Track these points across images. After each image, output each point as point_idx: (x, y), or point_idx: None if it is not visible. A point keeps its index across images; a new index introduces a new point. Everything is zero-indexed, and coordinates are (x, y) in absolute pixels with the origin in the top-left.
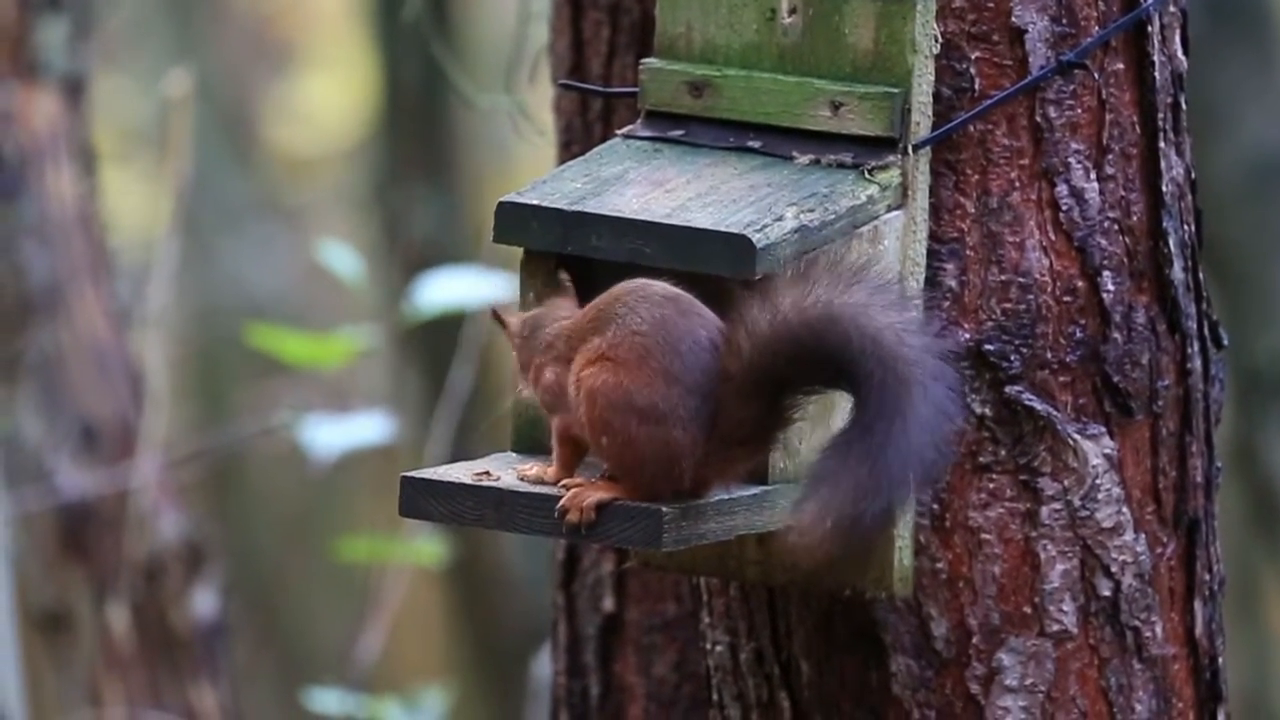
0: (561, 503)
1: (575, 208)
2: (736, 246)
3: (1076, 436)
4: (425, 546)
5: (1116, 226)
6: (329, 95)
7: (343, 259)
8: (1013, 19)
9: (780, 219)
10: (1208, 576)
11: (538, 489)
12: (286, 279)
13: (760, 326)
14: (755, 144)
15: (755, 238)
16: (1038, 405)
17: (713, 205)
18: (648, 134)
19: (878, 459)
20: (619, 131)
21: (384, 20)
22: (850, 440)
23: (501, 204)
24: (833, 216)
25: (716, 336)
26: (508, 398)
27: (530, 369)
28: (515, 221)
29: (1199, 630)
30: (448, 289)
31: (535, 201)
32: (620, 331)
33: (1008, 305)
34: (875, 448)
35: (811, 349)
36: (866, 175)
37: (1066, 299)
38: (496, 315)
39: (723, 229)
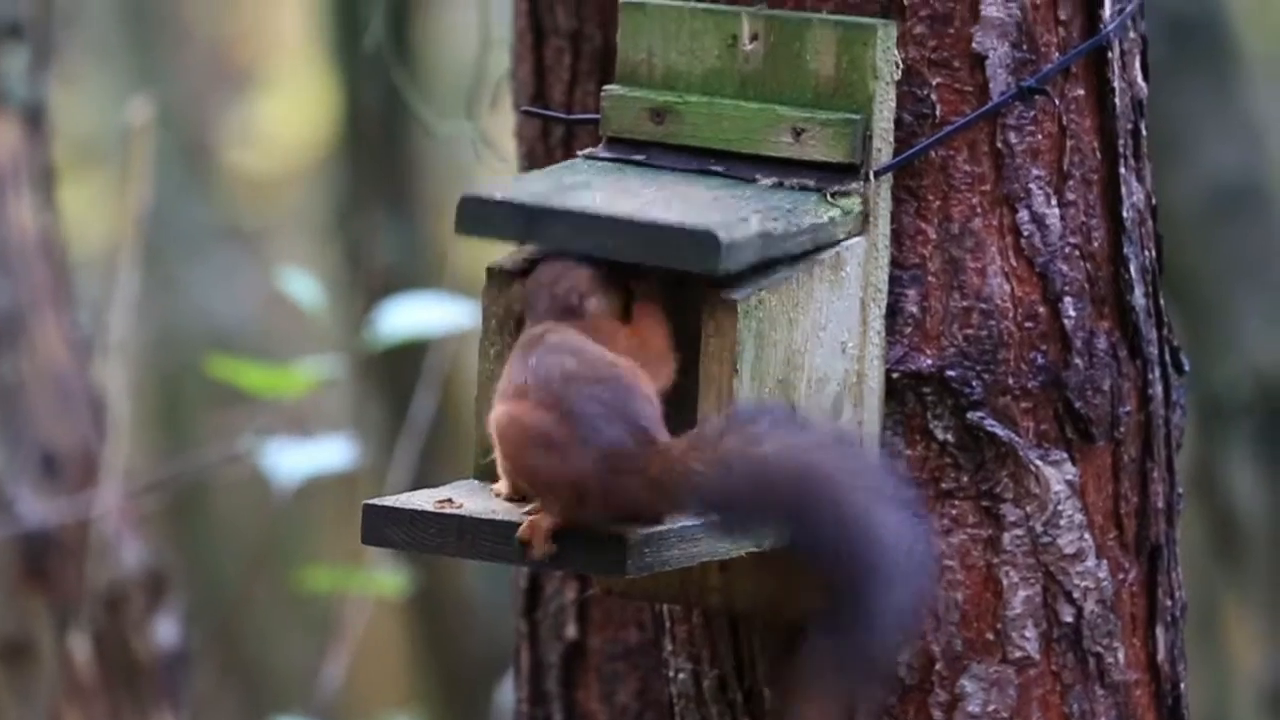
0: (519, 532)
1: (539, 203)
2: (701, 240)
3: (1038, 463)
4: (388, 577)
5: (1078, 252)
6: (290, 121)
7: (303, 286)
8: (973, 45)
9: (745, 221)
10: (1169, 602)
11: (500, 516)
12: (248, 306)
13: (724, 450)
14: (717, 169)
15: (720, 234)
16: (1000, 431)
17: (677, 207)
18: (609, 156)
19: (853, 668)
20: (580, 152)
21: (345, 46)
22: (824, 653)
23: (465, 198)
24: (795, 229)
25: (602, 375)
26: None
27: None
28: (478, 215)
29: (1161, 656)
30: (410, 316)
31: (499, 196)
32: (509, 378)
33: (969, 331)
34: (849, 657)
35: (782, 513)
36: (829, 198)
37: (1028, 325)
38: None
39: (688, 224)
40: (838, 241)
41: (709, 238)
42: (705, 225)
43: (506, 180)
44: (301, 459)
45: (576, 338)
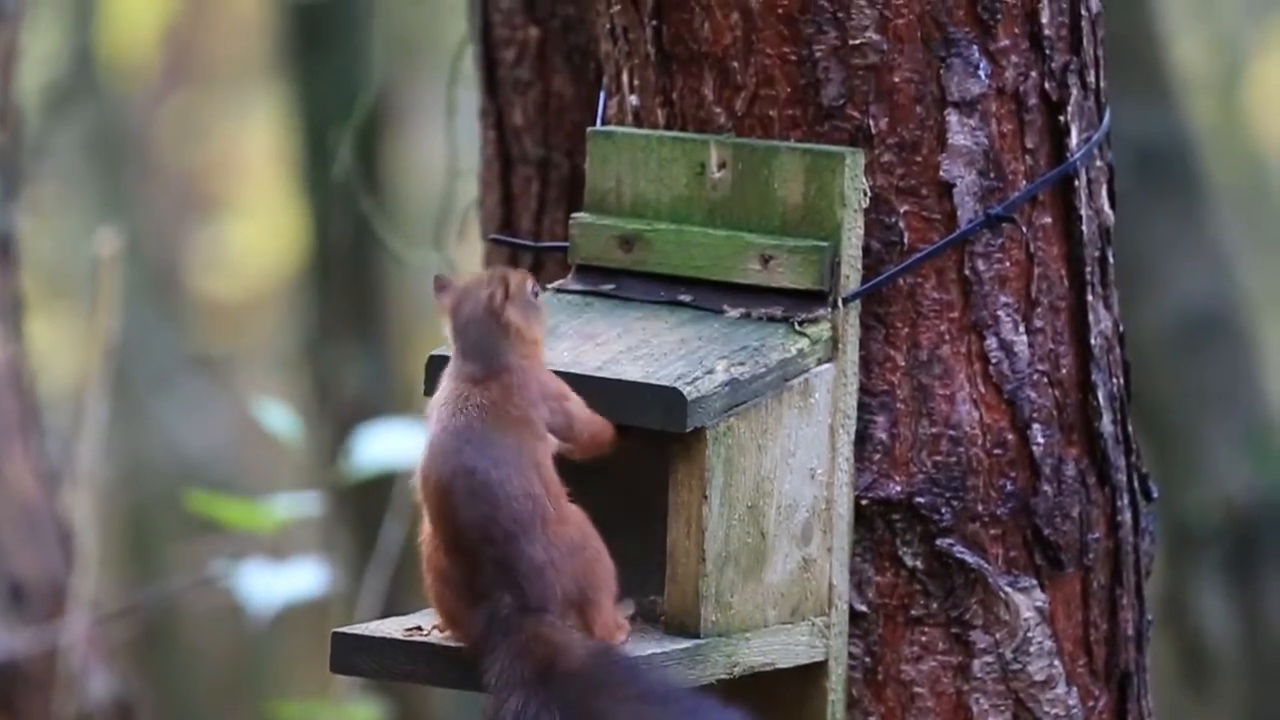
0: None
1: None
2: (667, 399)
3: (1008, 589)
4: (359, 710)
5: (1046, 379)
6: (258, 250)
7: (280, 418)
8: (941, 173)
9: (711, 372)
10: None
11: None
12: (217, 436)
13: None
14: (686, 298)
15: (686, 390)
16: (969, 558)
17: (643, 358)
18: (578, 288)
19: None
20: (550, 286)
21: (313, 175)
22: None
23: (432, 358)
24: (763, 370)
25: (500, 526)
26: None
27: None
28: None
29: None
30: (382, 446)
31: None
32: (423, 464)
33: (938, 458)
34: None
35: None
36: (796, 328)
37: (997, 451)
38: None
39: (654, 382)
40: (807, 369)
41: (674, 396)
42: (670, 382)
43: None
44: (276, 585)
45: (489, 457)
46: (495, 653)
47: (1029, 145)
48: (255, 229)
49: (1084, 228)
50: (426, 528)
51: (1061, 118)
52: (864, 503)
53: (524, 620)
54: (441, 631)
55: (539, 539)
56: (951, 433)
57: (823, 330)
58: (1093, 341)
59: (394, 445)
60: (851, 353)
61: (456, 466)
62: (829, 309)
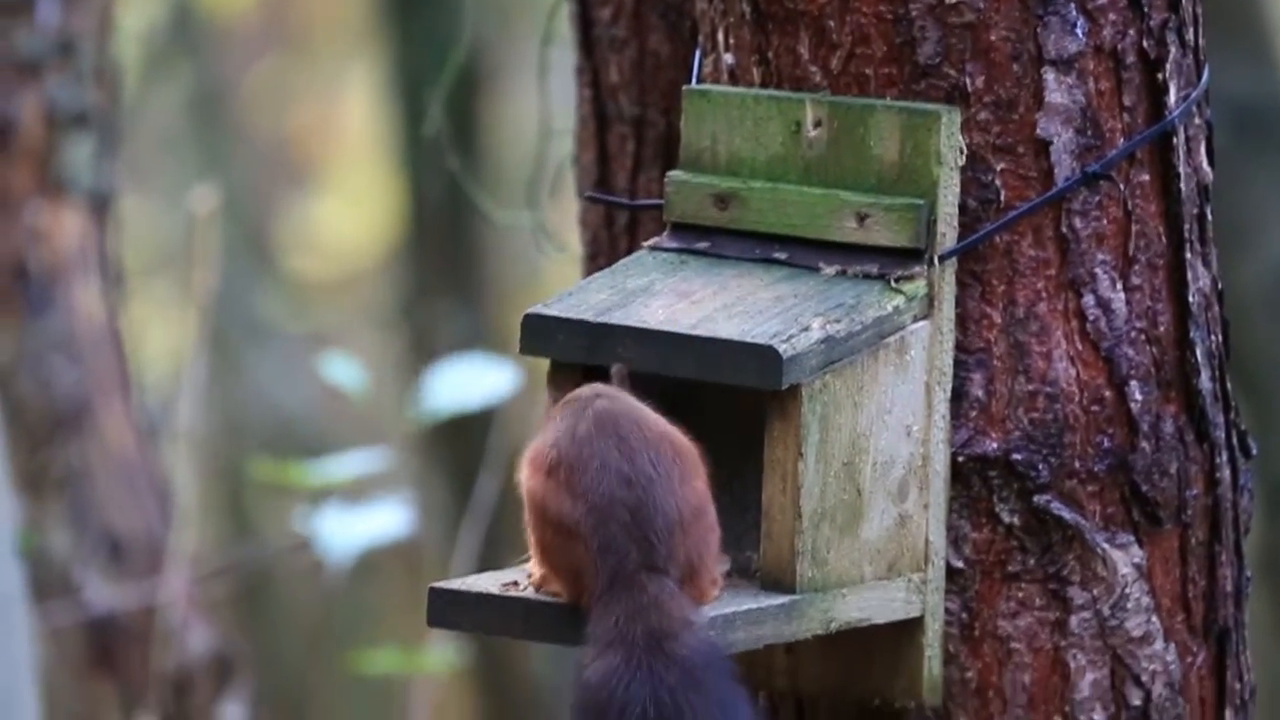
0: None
1: (601, 319)
2: (763, 357)
3: (1105, 546)
4: (437, 655)
5: (1143, 336)
6: (352, 214)
7: (346, 371)
8: (1037, 131)
9: (806, 329)
10: (1238, 685)
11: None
12: (314, 395)
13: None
14: (781, 256)
15: (781, 348)
16: (1066, 514)
17: (738, 316)
18: (673, 246)
19: None
20: (645, 244)
21: (408, 137)
22: None
23: (528, 316)
24: (859, 327)
25: (638, 470)
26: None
27: None
28: (541, 333)
29: None
30: (455, 384)
31: (561, 314)
32: (544, 440)
33: (1035, 415)
34: None
35: None
36: (892, 285)
37: (1094, 409)
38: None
39: (749, 340)
40: (902, 326)
41: (770, 354)
42: (765, 340)
43: (569, 289)
44: (355, 529)
45: (625, 410)
46: (611, 605)
47: (1126, 103)
48: (350, 204)
49: (1182, 185)
50: (533, 481)
51: (1160, 75)
52: (960, 460)
53: (648, 581)
54: (537, 587)
55: (675, 493)
56: (1048, 390)
57: (919, 287)
58: (1191, 299)
59: (464, 383)
60: (948, 310)
61: (608, 441)
62: (925, 266)
